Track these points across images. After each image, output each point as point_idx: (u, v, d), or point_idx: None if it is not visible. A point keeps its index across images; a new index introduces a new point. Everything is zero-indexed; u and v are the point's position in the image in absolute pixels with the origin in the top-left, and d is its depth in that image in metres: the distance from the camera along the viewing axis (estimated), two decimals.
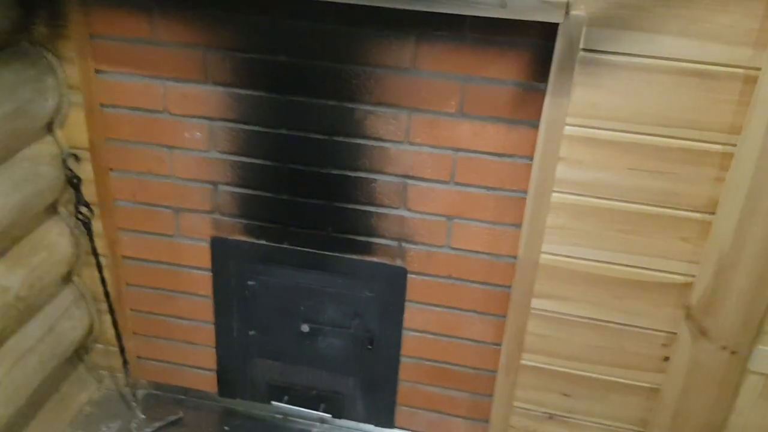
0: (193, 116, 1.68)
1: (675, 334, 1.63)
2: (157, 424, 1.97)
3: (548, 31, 1.39)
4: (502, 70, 1.49)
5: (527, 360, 1.75)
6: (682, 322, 1.61)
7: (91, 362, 2.08)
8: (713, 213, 1.49)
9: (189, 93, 1.66)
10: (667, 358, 1.67)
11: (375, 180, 1.67)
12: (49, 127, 1.73)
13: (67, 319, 1.88)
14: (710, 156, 1.44)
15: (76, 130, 1.74)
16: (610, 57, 1.39)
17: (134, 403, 1.99)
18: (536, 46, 1.45)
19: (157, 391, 2.10)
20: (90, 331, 1.99)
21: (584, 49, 1.39)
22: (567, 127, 1.48)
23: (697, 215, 1.51)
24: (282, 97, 1.62)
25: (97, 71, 1.68)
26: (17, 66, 1.59)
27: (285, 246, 1.80)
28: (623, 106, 1.43)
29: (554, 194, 1.55)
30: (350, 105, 1.59)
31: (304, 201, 1.73)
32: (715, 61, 1.36)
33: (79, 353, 2.04)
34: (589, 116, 1.46)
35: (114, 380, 2.09)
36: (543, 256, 1.62)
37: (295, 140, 1.66)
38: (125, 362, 1.98)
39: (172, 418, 1.99)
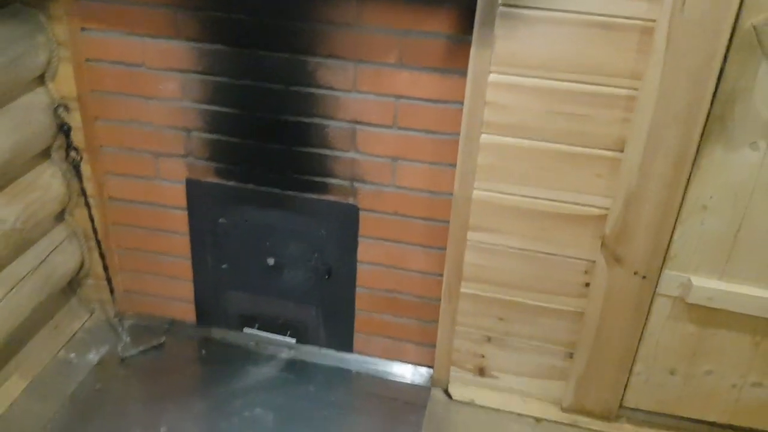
0: (167, 69, 1.88)
1: (593, 262, 1.82)
2: (141, 347, 2.19)
3: None
4: (434, 25, 1.68)
5: (466, 288, 1.95)
6: (598, 250, 1.80)
7: (83, 295, 2.31)
8: (622, 151, 1.67)
9: (163, 48, 1.86)
10: (587, 284, 1.86)
11: (327, 125, 1.86)
12: (42, 80, 1.93)
13: (59, 254, 2.10)
14: (617, 99, 1.62)
15: (65, 82, 1.95)
16: (525, 11, 1.56)
17: (121, 329, 2.22)
18: (463, 2, 1.63)
19: (142, 322, 2.31)
20: (81, 266, 2.21)
21: (502, 4, 1.57)
22: (491, 75, 1.66)
23: (609, 153, 1.68)
24: (243, 51, 1.82)
25: (83, 29, 1.88)
26: (11, 24, 1.79)
27: (251, 187, 2.00)
28: (539, 55, 1.61)
29: (483, 136, 1.74)
30: (303, 58, 1.79)
31: (267, 145, 1.93)
32: (616, 14, 1.52)
33: (73, 286, 2.27)
34: (510, 65, 1.64)
35: (104, 311, 2.32)
36: (475, 192, 1.81)
37: (257, 90, 1.86)
38: (113, 294, 2.20)
39: (155, 342, 2.21)
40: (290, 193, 1.98)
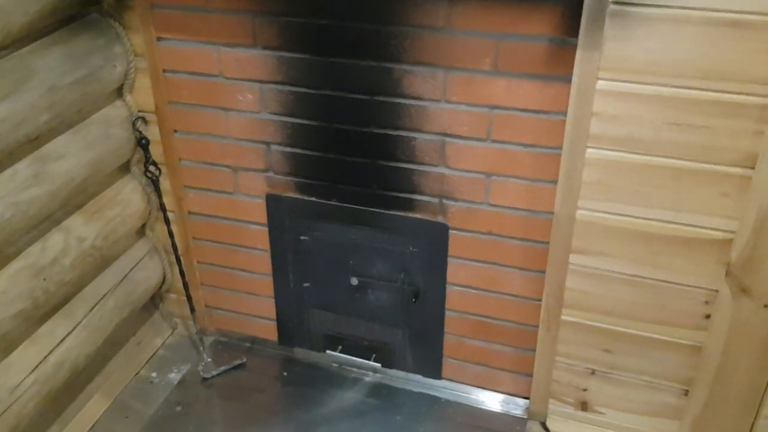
0: (245, 79, 1.79)
1: (716, 291, 1.62)
2: (222, 368, 2.13)
3: None
4: (534, 26, 1.51)
5: (567, 315, 1.78)
6: (722, 279, 1.59)
7: (165, 310, 2.27)
8: (753, 167, 1.46)
9: (240, 57, 1.76)
10: (708, 316, 1.66)
11: (415, 138, 1.72)
12: (120, 92, 1.88)
13: (140, 270, 2.05)
14: (748, 109, 1.41)
15: (143, 94, 1.89)
16: (640, 9, 1.39)
17: (202, 348, 2.15)
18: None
19: (224, 338, 2.26)
20: (163, 281, 2.16)
21: (614, 2, 1.39)
22: (600, 82, 1.49)
23: (737, 170, 1.48)
24: (325, 59, 1.70)
25: (159, 39, 1.81)
26: (88, 35, 1.73)
27: (334, 203, 1.89)
28: (656, 59, 1.43)
29: (589, 150, 1.56)
30: (389, 65, 1.65)
31: (350, 159, 1.81)
32: (750, 10, 1.33)
33: (155, 302, 2.23)
34: (622, 70, 1.46)
35: (186, 327, 2.27)
36: (579, 212, 1.64)
37: (339, 101, 1.74)
38: (193, 311, 2.14)
39: (236, 362, 2.15)
40: (375, 210, 1.86)
